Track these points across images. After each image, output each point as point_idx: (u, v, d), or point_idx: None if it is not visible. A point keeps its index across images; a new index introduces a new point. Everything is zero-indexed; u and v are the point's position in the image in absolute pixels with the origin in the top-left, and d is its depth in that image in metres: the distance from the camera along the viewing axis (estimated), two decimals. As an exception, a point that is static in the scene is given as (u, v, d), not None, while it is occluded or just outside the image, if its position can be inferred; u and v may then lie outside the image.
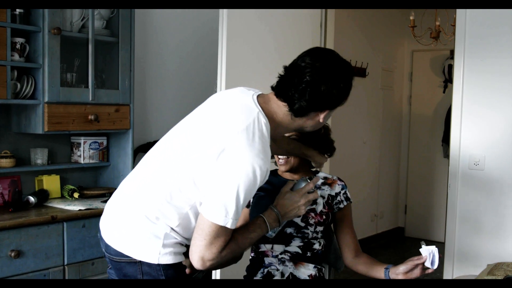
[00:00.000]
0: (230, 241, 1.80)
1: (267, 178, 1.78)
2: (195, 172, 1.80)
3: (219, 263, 1.82)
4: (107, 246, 1.91)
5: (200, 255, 1.76)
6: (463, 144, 3.44)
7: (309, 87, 1.79)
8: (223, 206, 1.73)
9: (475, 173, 3.41)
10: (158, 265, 1.84)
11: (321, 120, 1.88)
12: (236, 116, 1.81)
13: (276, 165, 2.55)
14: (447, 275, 3.49)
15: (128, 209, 1.89)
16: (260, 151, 1.74)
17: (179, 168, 1.83)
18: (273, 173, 2.51)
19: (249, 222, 1.95)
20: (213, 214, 1.74)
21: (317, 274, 2.32)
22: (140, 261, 1.84)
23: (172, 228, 1.84)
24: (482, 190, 3.39)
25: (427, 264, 2.09)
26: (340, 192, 2.41)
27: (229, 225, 1.75)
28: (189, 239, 1.88)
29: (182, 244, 1.89)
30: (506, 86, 3.30)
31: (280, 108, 1.87)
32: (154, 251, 1.83)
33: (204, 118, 1.89)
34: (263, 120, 1.81)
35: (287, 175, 2.46)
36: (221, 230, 1.75)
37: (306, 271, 2.30)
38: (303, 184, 2.01)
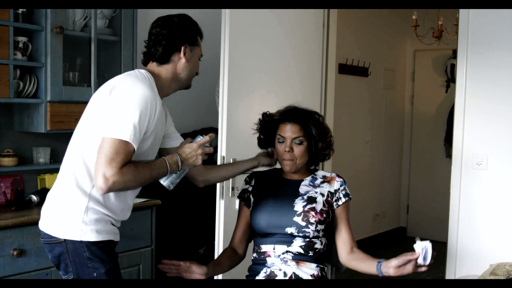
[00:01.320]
0: (131, 163, 1.96)
1: (158, 110, 2.03)
2: (96, 122, 2.01)
3: (122, 184, 1.93)
4: (42, 233, 2.11)
5: (102, 172, 1.90)
6: (465, 144, 3.43)
7: (157, 36, 2.18)
8: (120, 123, 1.93)
9: (478, 173, 3.40)
10: (81, 242, 2.01)
11: (184, 60, 2.19)
12: (117, 76, 2.14)
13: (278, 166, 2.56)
14: (450, 275, 3.49)
15: (52, 192, 2.12)
16: (147, 85, 2.02)
17: (84, 132, 2.06)
18: (274, 173, 2.52)
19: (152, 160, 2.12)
20: (111, 131, 1.93)
21: (320, 273, 2.32)
22: (65, 240, 2.02)
23: (90, 196, 2.01)
24: (484, 190, 3.39)
25: (420, 260, 2.08)
26: (339, 189, 2.42)
27: (127, 138, 1.92)
28: (110, 210, 2.07)
29: (106, 222, 2.06)
30: (509, 86, 3.30)
31: (153, 67, 2.19)
32: (75, 228, 2.01)
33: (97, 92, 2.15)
34: (142, 71, 2.13)
35: (286, 175, 2.47)
36: (120, 145, 1.92)
37: (308, 270, 2.30)
38: (200, 138, 2.19)
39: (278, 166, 2.56)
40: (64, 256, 2.05)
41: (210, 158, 2.63)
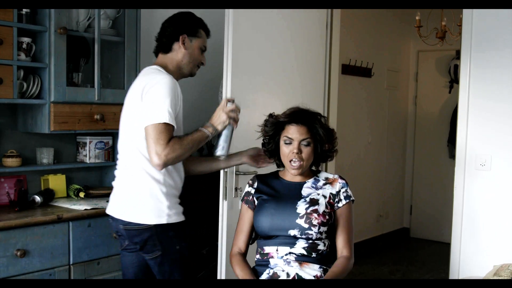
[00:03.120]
0: (174, 138, 2.30)
1: (179, 91, 2.38)
2: (140, 120, 2.36)
3: (173, 154, 2.27)
4: (124, 223, 2.42)
5: (153, 152, 2.26)
6: (469, 144, 3.43)
7: (164, 28, 2.59)
8: (155, 110, 2.29)
9: (482, 174, 3.39)
10: (168, 224, 2.40)
11: (183, 48, 2.54)
12: (136, 78, 2.53)
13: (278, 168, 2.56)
14: (453, 275, 3.48)
15: (128, 188, 2.45)
16: (166, 73, 2.41)
17: (133, 131, 2.41)
18: (275, 176, 2.52)
19: None
20: (150, 119, 2.29)
21: (323, 274, 2.32)
22: (155, 225, 2.38)
23: (165, 183, 2.40)
24: (488, 191, 3.38)
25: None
26: (340, 191, 2.42)
27: (166, 120, 2.28)
28: (178, 189, 2.50)
29: (179, 204, 2.49)
30: (513, 87, 3.29)
31: (161, 58, 2.58)
32: (163, 214, 2.39)
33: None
34: (153, 66, 2.52)
35: (289, 177, 2.47)
36: (160, 127, 2.28)
37: (311, 271, 2.30)
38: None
39: (275, 167, 2.57)
40: (152, 238, 2.40)
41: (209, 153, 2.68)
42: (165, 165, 2.28)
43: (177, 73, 2.56)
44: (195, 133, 2.40)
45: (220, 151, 2.47)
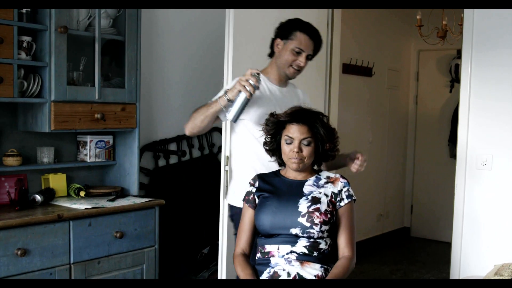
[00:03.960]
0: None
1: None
2: None
3: (190, 120, 2.63)
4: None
5: None
6: (470, 144, 3.42)
7: None
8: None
9: (482, 173, 3.39)
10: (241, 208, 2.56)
11: (276, 49, 2.74)
12: None
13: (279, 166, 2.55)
14: (454, 275, 3.48)
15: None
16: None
17: None
18: (276, 174, 2.52)
19: None
20: None
21: (324, 274, 2.31)
22: (231, 205, 2.79)
23: (239, 173, 2.75)
24: (489, 190, 3.38)
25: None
26: (342, 190, 2.42)
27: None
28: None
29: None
30: (514, 86, 3.29)
31: (269, 62, 2.83)
32: (233, 196, 2.77)
33: None
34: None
35: (290, 175, 2.46)
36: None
37: (312, 271, 2.30)
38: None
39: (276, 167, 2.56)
40: (232, 217, 2.80)
41: (214, 159, 2.69)
42: (187, 130, 2.65)
43: (277, 75, 2.76)
44: (207, 105, 2.59)
45: (228, 114, 2.57)
